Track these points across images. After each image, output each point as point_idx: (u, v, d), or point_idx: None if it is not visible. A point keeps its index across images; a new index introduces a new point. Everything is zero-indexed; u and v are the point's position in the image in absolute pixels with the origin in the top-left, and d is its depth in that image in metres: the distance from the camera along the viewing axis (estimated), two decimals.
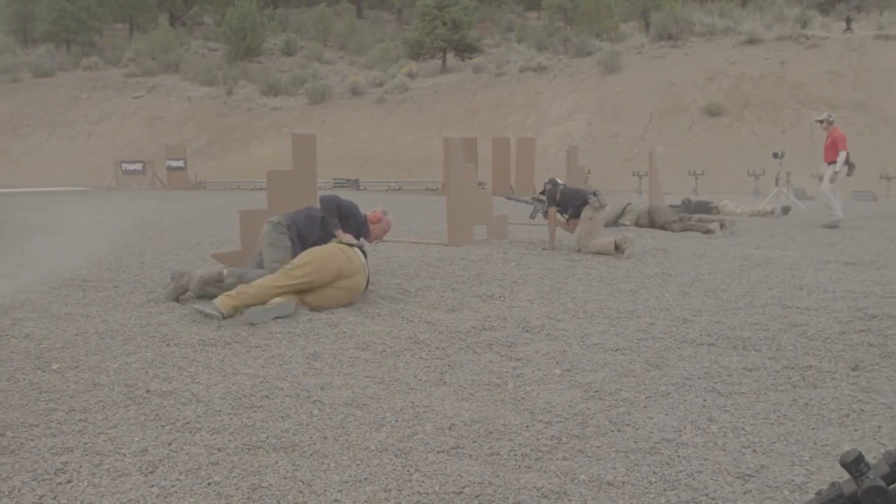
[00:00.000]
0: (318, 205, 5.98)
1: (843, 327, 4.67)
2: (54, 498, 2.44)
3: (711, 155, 24.82)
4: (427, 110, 33.45)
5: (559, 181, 8.54)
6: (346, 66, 41.20)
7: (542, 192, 8.56)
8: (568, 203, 8.22)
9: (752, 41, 30.62)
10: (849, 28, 30.48)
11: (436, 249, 8.10)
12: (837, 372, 3.77)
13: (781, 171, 14.58)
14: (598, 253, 7.94)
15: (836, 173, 11.86)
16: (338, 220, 5.76)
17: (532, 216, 9.00)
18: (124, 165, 25.88)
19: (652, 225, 11.07)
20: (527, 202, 9.10)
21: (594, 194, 8.05)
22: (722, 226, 10.69)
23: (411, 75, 36.94)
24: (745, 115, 26.69)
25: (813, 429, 3.02)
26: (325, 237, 5.69)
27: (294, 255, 5.42)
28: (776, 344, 4.29)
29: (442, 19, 37.91)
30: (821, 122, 12.17)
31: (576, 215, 8.15)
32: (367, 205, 5.99)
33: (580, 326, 4.76)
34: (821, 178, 12.58)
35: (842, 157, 11.81)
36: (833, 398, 3.38)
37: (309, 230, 5.71)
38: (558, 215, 8.33)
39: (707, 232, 10.51)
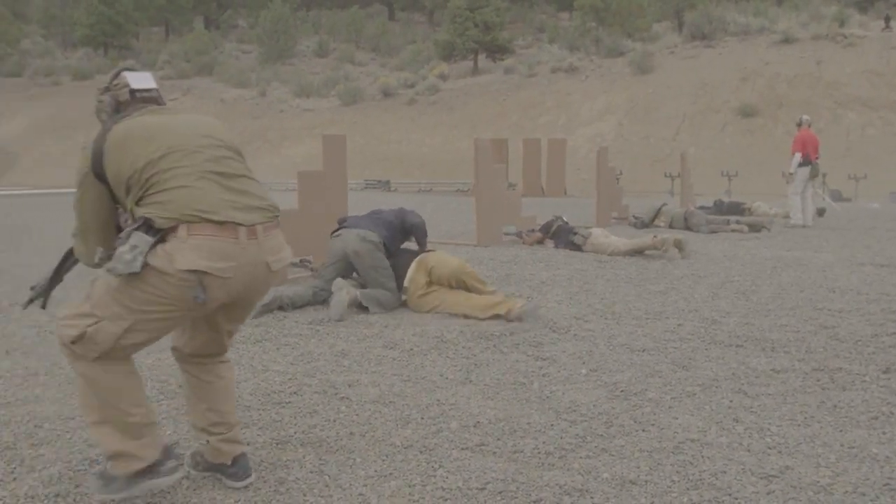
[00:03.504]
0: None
1: (876, 330, 4.62)
2: (88, 488, 2.51)
3: (745, 156, 24.54)
4: (458, 111, 33.51)
5: (564, 219, 8.99)
6: (378, 68, 41.43)
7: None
8: (560, 237, 8.65)
9: (787, 40, 30.22)
10: (887, 26, 29.93)
11: (464, 250, 8.13)
12: (868, 374, 3.73)
13: (819, 174, 14.37)
14: (635, 251, 7.91)
15: (790, 174, 11.78)
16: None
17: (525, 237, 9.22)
18: None
19: (688, 229, 10.98)
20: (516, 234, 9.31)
21: (575, 232, 8.52)
22: (759, 228, 10.60)
23: (442, 77, 37.03)
24: (780, 115, 26.33)
25: (840, 431, 3.00)
26: (398, 247, 5.64)
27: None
28: (806, 346, 4.26)
29: (473, 20, 37.96)
30: (798, 124, 12.14)
31: (565, 247, 8.51)
32: (399, 205, 6.00)
33: (607, 327, 4.76)
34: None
35: (795, 159, 11.73)
36: (862, 401, 3.35)
37: (392, 243, 5.50)
38: (546, 242, 8.85)
39: (738, 231, 10.48)
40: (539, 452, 2.80)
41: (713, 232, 10.57)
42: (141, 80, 2.52)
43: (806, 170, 11.79)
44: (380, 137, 32.31)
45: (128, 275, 2.18)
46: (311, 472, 2.63)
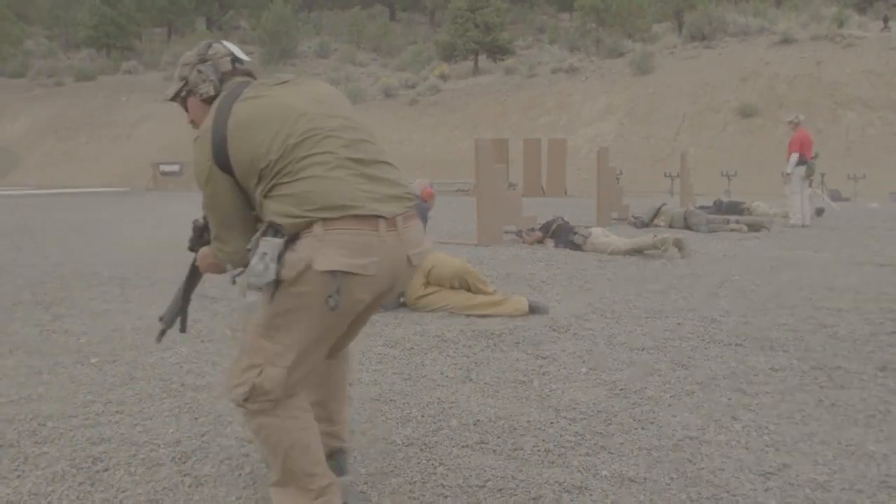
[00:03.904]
0: None
1: (874, 328, 4.63)
2: (92, 485, 2.54)
3: (744, 156, 24.56)
4: (459, 112, 33.54)
5: (564, 219, 9.05)
6: (379, 69, 41.47)
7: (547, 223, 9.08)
8: (560, 236, 8.69)
9: (786, 41, 30.22)
10: (886, 27, 29.93)
11: (465, 250, 8.15)
12: (865, 373, 3.74)
13: (816, 173, 14.38)
14: (635, 250, 7.94)
15: (787, 174, 11.80)
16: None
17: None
18: (162, 167, 26.34)
19: (687, 229, 11.00)
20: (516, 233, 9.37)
21: (575, 232, 8.57)
22: (758, 227, 10.62)
23: (443, 77, 37.06)
24: (780, 115, 26.28)
25: (838, 429, 3.02)
26: None
27: None
28: (804, 345, 4.28)
29: (474, 21, 37.99)
30: (790, 122, 12.13)
31: (565, 246, 8.55)
32: None
33: (607, 326, 4.78)
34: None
35: (792, 159, 11.74)
36: (860, 399, 3.37)
37: None
38: (546, 241, 8.87)
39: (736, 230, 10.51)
40: (539, 450, 2.82)
41: (712, 231, 10.59)
42: (239, 51, 2.32)
43: (802, 169, 11.82)
44: (381, 138, 32.11)
45: (267, 294, 2.01)
46: None
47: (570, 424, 3.08)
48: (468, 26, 38.00)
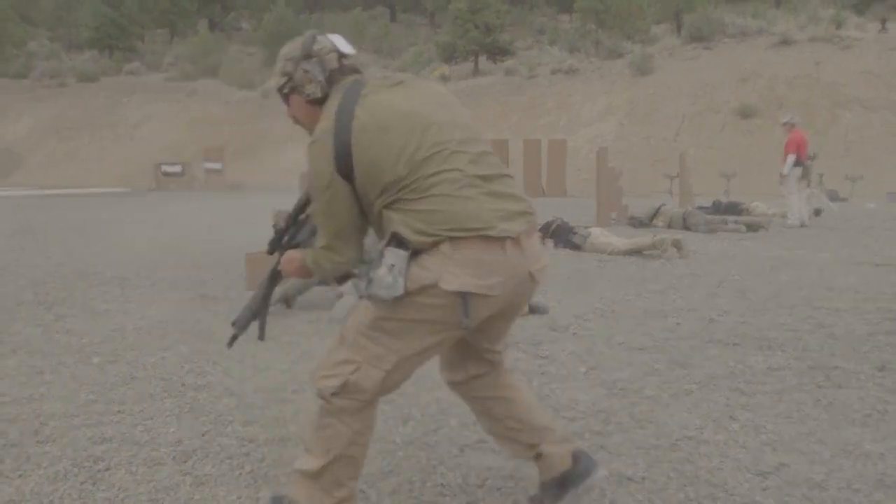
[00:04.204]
0: None
1: (872, 328, 4.65)
2: (94, 484, 2.56)
3: (744, 157, 24.55)
4: None
5: (563, 219, 9.08)
6: (380, 69, 41.45)
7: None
8: (559, 237, 8.73)
9: (785, 42, 30.19)
10: (884, 28, 29.92)
11: None
12: (863, 373, 3.76)
13: (814, 173, 14.39)
14: (634, 250, 7.96)
15: (783, 176, 11.81)
16: None
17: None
18: (164, 167, 26.36)
19: (687, 229, 11.01)
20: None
21: (575, 232, 8.63)
22: (757, 228, 10.63)
23: (444, 78, 37.04)
24: (779, 116, 26.30)
25: (835, 428, 3.04)
26: None
27: None
28: (802, 344, 4.29)
29: (474, 22, 37.99)
30: (785, 124, 12.13)
31: (565, 246, 8.57)
32: None
33: (607, 326, 4.79)
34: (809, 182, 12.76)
35: (789, 160, 11.75)
36: (857, 398, 3.38)
37: None
38: (546, 241, 8.86)
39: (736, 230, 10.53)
40: None
41: (711, 232, 10.60)
42: (344, 43, 2.19)
43: (799, 170, 11.84)
44: None
45: (388, 302, 1.95)
46: None
47: (569, 424, 3.10)
48: (468, 27, 37.99)
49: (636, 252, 7.95)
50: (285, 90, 2.19)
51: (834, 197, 17.57)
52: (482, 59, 39.44)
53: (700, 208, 12.68)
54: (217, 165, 25.69)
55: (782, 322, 4.86)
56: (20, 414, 3.22)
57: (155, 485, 2.55)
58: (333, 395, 2.04)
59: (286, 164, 29.39)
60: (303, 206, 2.30)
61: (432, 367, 3.85)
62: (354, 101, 2.02)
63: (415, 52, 42.76)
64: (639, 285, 6.27)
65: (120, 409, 3.29)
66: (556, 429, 2.35)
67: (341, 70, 2.14)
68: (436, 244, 1.93)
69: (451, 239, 1.92)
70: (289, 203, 5.67)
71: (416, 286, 1.93)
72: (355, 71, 2.18)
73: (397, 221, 1.96)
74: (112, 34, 46.09)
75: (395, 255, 1.93)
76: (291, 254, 2.29)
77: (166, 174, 25.81)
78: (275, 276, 2.39)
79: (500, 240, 1.96)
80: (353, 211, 2.04)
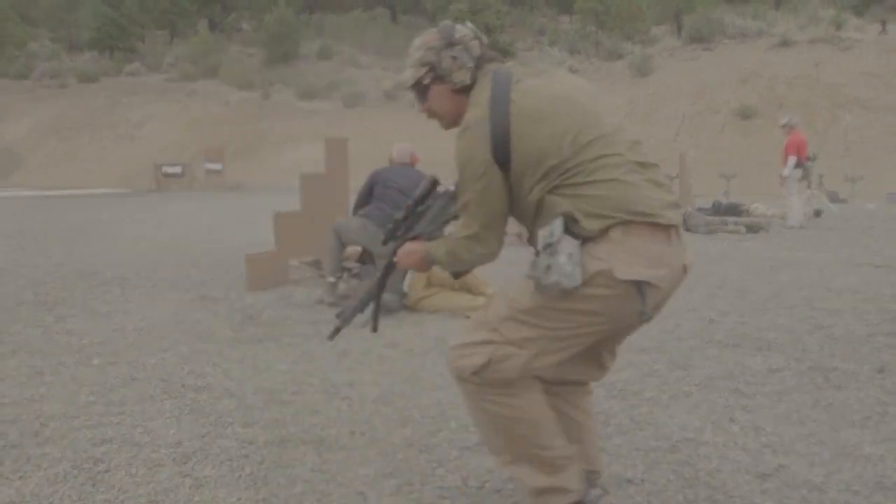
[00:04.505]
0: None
1: (871, 329, 4.65)
2: (93, 486, 2.56)
3: (743, 157, 24.54)
4: None
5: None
6: (381, 71, 41.47)
7: None
8: None
9: (785, 43, 30.20)
10: (884, 30, 29.92)
11: None
12: (862, 374, 3.76)
13: (814, 174, 14.38)
14: None
15: (783, 177, 11.81)
16: None
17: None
18: (164, 168, 26.36)
19: (686, 230, 11.02)
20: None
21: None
22: (757, 229, 10.63)
23: None
24: (779, 117, 26.32)
25: (835, 430, 3.04)
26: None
27: None
28: (801, 345, 4.29)
29: (475, 24, 38.00)
30: (784, 126, 12.11)
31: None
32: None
33: None
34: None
35: (790, 162, 11.74)
36: (856, 400, 3.38)
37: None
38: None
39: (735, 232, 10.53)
40: None
41: (711, 233, 10.61)
42: (477, 31, 2.14)
43: (799, 171, 11.84)
44: (383, 140, 32.30)
45: (553, 291, 1.87)
46: (312, 471, 2.67)
47: None
48: None
49: None
50: (426, 80, 2.12)
51: (834, 198, 17.57)
52: None
53: (700, 209, 12.69)
54: (217, 166, 25.67)
55: (782, 323, 4.86)
56: (20, 415, 3.22)
57: (155, 486, 2.55)
58: (474, 373, 1.99)
59: (286, 165, 29.40)
60: (423, 197, 2.25)
61: (433, 370, 3.86)
62: (508, 87, 1.97)
63: None
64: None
65: (120, 410, 3.29)
66: (601, 473, 2.31)
67: (485, 57, 2.10)
68: (606, 230, 1.86)
69: (624, 224, 1.85)
70: (288, 204, 5.66)
71: (586, 276, 1.86)
72: (495, 58, 2.13)
73: (566, 206, 1.89)
74: (112, 35, 46.09)
75: (571, 244, 1.85)
76: (411, 246, 2.23)
77: (166, 175, 25.80)
78: (390, 269, 2.34)
79: (665, 228, 1.90)
80: (505, 200, 2.00)
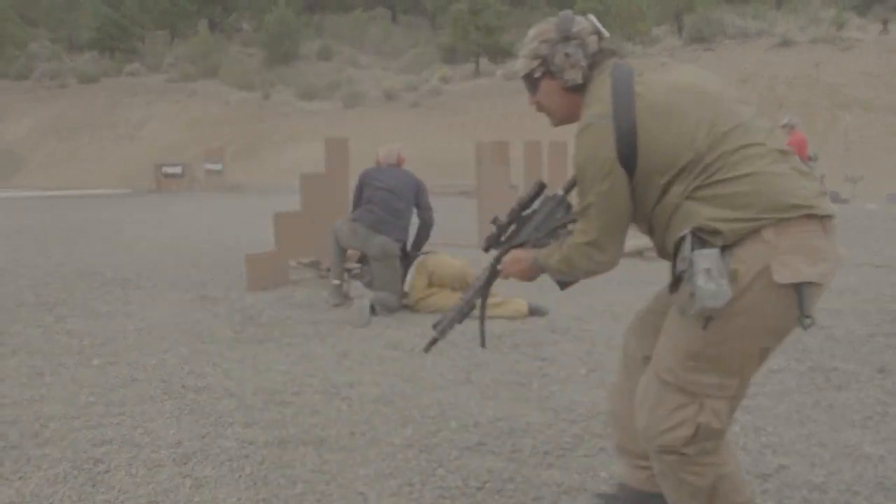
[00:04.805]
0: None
1: (871, 330, 4.65)
2: (93, 486, 2.56)
3: None
4: (461, 114, 33.54)
5: None
6: (381, 71, 41.48)
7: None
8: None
9: (786, 43, 30.20)
10: (885, 30, 29.91)
11: (466, 251, 8.15)
12: (863, 374, 3.76)
13: (816, 174, 14.35)
14: (634, 252, 7.97)
15: None
16: None
17: None
18: (164, 168, 26.34)
19: None
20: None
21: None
22: None
23: (445, 80, 37.07)
24: (779, 117, 26.26)
25: (835, 430, 3.04)
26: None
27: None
28: (802, 346, 4.28)
29: (475, 24, 38.01)
30: (784, 126, 12.08)
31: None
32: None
33: (607, 328, 4.79)
34: None
35: None
36: (857, 400, 3.38)
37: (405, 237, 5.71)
38: None
39: None
40: (538, 452, 2.83)
41: None
42: (598, 23, 1.97)
43: None
44: (383, 140, 32.26)
45: (700, 319, 1.70)
46: (312, 471, 2.67)
47: (569, 426, 3.10)
48: (469, 29, 37.99)
49: (637, 254, 7.95)
50: (536, 74, 1.98)
51: (835, 199, 17.56)
52: (483, 61, 39.43)
53: None
54: (217, 166, 25.65)
55: None
56: (20, 416, 3.22)
57: (155, 487, 2.55)
58: (686, 444, 1.80)
59: (286, 165, 29.41)
60: (529, 201, 2.14)
61: (433, 371, 3.86)
62: (630, 80, 1.83)
63: (415, 53, 42.77)
64: (639, 287, 6.26)
65: (120, 410, 3.29)
66: None
67: (602, 53, 1.94)
68: (755, 231, 1.68)
69: (776, 222, 1.68)
70: (288, 204, 5.67)
71: (738, 287, 1.68)
72: (613, 53, 1.97)
73: (707, 212, 1.72)
74: (113, 35, 46.10)
75: (706, 258, 1.67)
76: (518, 254, 2.11)
77: (167, 175, 25.78)
78: (493, 277, 2.23)
79: (821, 219, 1.71)
80: (629, 203, 1.84)
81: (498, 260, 2.17)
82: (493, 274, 2.22)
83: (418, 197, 5.58)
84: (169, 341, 4.49)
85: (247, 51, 48.09)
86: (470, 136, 29.77)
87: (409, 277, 5.32)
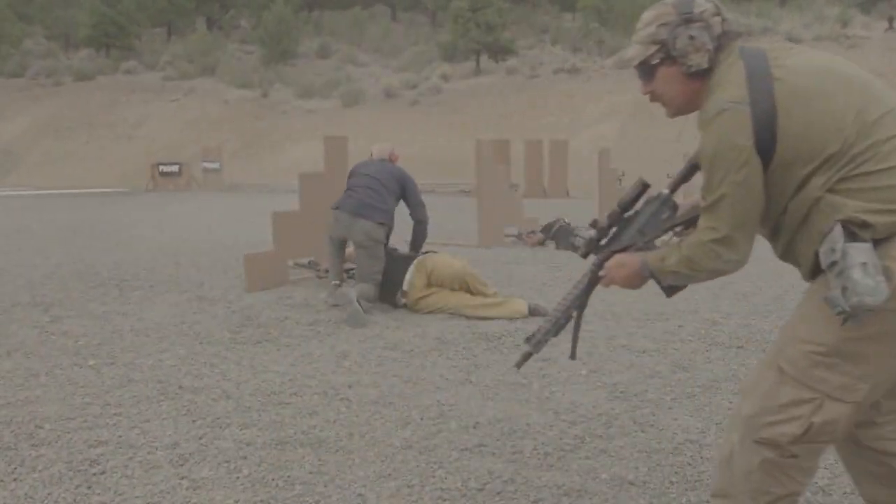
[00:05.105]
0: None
1: None
2: (89, 488, 2.53)
3: None
4: (461, 112, 33.53)
5: (565, 220, 9.08)
6: (380, 69, 41.45)
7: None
8: (561, 238, 8.76)
9: (790, 41, 30.18)
10: (891, 27, 29.91)
11: (466, 251, 8.13)
12: None
13: None
14: None
15: None
16: None
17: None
18: (161, 167, 26.31)
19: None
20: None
21: (576, 234, 8.60)
22: None
23: (445, 77, 37.05)
24: None
25: None
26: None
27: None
28: None
29: (475, 21, 37.99)
30: None
31: (566, 248, 8.59)
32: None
33: (608, 328, 4.76)
34: None
35: None
36: None
37: (391, 223, 5.64)
38: (548, 243, 8.94)
39: None
40: (538, 453, 2.81)
41: None
42: (721, 4, 1.82)
43: None
44: (383, 138, 32.18)
45: (866, 312, 1.56)
46: (311, 473, 2.65)
47: (569, 427, 3.07)
48: (470, 26, 37.96)
49: None
50: (654, 60, 1.83)
51: None
52: (484, 59, 39.41)
53: None
54: (215, 165, 25.61)
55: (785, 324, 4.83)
56: (15, 417, 3.19)
57: (151, 488, 2.52)
58: (792, 442, 1.70)
59: (285, 164, 29.38)
60: (630, 201, 2.00)
61: (433, 371, 3.83)
62: (766, 63, 1.71)
63: (415, 51, 42.73)
64: (640, 287, 6.23)
65: (116, 411, 3.26)
66: None
67: (727, 35, 1.79)
68: None
69: None
70: (287, 203, 5.63)
71: (891, 286, 1.55)
72: (738, 35, 1.83)
73: (852, 206, 1.62)
74: (109, 32, 46.00)
75: (860, 251, 1.55)
76: (623, 258, 1.98)
77: (163, 174, 25.75)
78: (592, 285, 2.09)
79: None
80: (763, 196, 1.72)
81: (599, 265, 2.04)
82: (593, 281, 2.08)
83: (405, 190, 5.53)
84: (166, 342, 4.46)
85: (245, 49, 48.04)
86: (470, 135, 29.75)
87: (408, 277, 5.28)
